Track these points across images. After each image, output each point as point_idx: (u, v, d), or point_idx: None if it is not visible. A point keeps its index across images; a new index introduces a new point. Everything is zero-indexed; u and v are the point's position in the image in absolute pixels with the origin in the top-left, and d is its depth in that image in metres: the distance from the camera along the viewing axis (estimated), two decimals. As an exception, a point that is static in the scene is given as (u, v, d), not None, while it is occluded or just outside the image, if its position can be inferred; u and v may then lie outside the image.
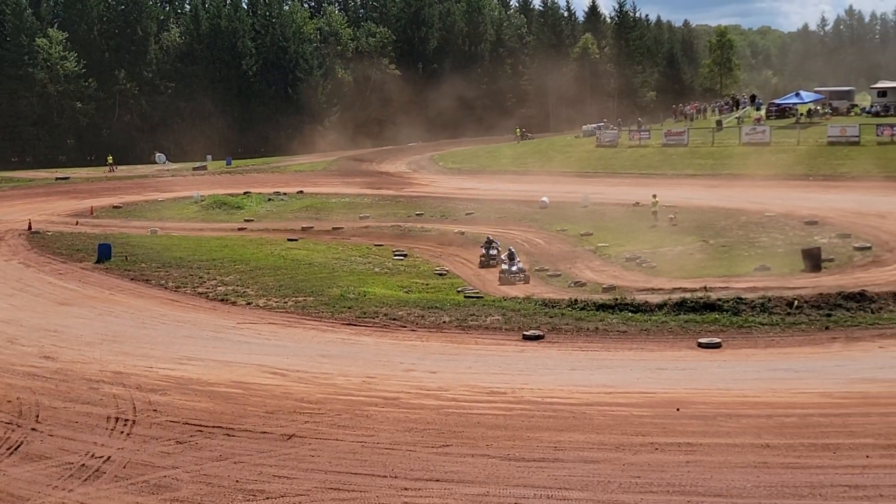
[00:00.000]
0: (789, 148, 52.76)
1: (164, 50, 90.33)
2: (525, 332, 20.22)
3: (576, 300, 22.58)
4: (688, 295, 21.75)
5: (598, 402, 14.98)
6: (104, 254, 31.43)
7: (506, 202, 45.04)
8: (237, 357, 18.90)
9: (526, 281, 27.52)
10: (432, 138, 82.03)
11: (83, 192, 54.88)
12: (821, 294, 21.55)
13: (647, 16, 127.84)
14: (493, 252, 30.56)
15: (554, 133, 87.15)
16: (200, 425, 14.34)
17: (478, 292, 25.40)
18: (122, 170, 68.53)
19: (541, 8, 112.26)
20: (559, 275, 27.98)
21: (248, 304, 24.70)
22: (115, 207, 48.38)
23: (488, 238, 31.74)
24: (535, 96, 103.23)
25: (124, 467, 12.68)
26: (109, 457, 13.07)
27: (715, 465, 11.82)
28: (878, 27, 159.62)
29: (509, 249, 29.68)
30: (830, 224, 33.58)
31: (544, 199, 43.56)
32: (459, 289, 26.04)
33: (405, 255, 32.13)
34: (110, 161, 70.36)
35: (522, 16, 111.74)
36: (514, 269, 28.06)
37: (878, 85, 69.15)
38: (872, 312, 20.25)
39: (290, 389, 16.35)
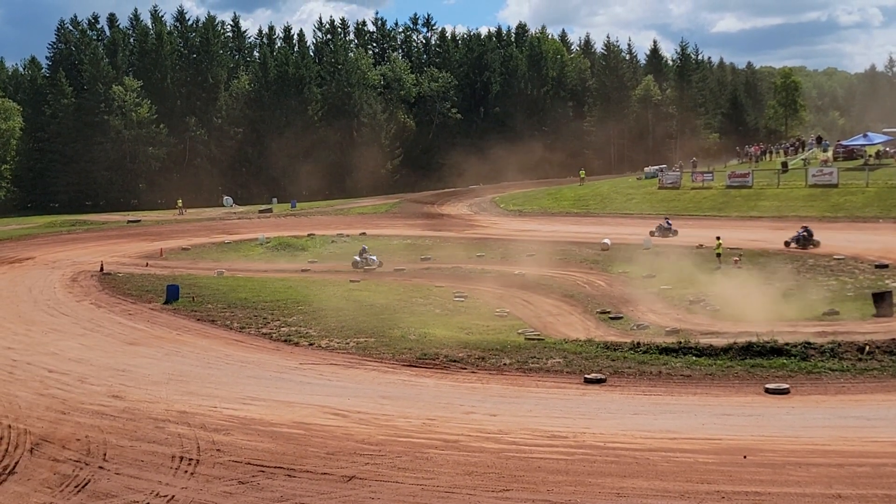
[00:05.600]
0: (858, 189, 51.62)
1: (233, 97, 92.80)
2: (587, 376, 20.02)
3: (638, 343, 22.29)
4: (754, 339, 21.29)
5: (661, 447, 14.71)
6: (172, 295, 32.08)
7: (567, 244, 44.86)
8: (299, 398, 19.05)
9: None
10: (494, 181, 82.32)
11: (153, 234, 56.32)
12: (894, 339, 20.95)
13: (709, 58, 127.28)
14: None
15: (616, 175, 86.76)
16: (262, 465, 14.46)
17: (539, 334, 25.24)
18: (191, 213, 70.24)
19: (602, 51, 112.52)
20: (621, 317, 27.69)
21: (311, 344, 24.93)
22: (183, 249, 49.42)
23: None
24: (598, 138, 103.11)
25: (188, 506, 12.83)
26: (174, 496, 13.26)
27: (783, 515, 11.49)
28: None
29: None
30: (903, 267, 32.66)
31: (606, 240, 43.30)
32: (520, 330, 25.92)
33: (466, 297, 32.14)
34: (179, 204, 72.23)
35: (585, 58, 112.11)
36: None
37: (951, 125, 67.53)
38: (948, 359, 19.58)
39: (351, 431, 16.40)
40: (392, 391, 19.81)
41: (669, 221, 46.86)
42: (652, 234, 45.64)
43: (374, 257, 41.09)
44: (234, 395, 19.40)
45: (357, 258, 40.90)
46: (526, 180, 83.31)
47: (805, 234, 39.49)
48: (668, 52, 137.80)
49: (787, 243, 39.43)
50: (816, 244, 38.64)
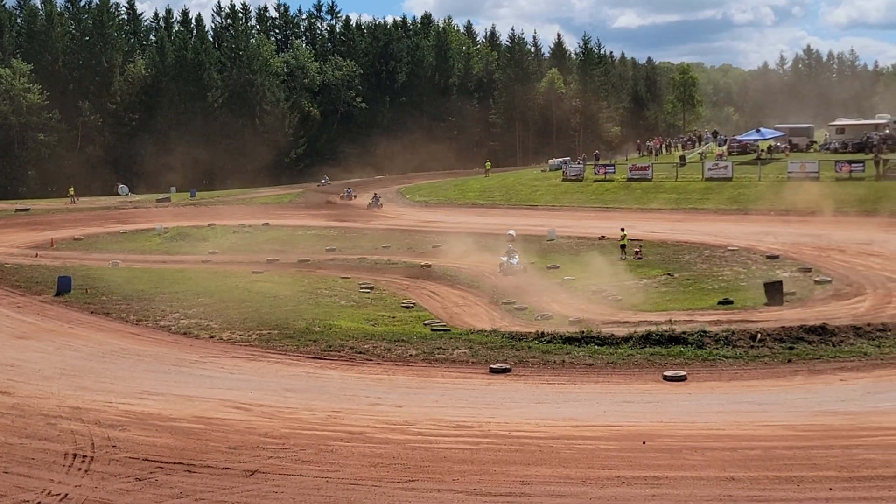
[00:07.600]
0: (751, 183, 53.57)
1: (129, 82, 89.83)
2: (492, 366, 20.18)
3: (542, 333, 22.58)
4: (653, 328, 21.86)
5: (564, 435, 14.94)
6: (64, 286, 30.93)
7: (473, 235, 45.06)
8: (199, 391, 18.62)
9: None
10: (400, 171, 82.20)
11: (43, 223, 54.09)
12: (783, 327, 21.83)
13: (611, 53, 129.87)
14: None
15: (521, 167, 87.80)
16: (161, 461, 14.07)
17: (445, 325, 25.31)
18: (84, 201, 67.72)
19: (508, 43, 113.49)
20: (526, 308, 27.99)
21: (212, 337, 24.39)
22: (75, 239, 47.75)
23: None
24: (503, 130, 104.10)
25: (81, 505, 12.37)
26: (66, 494, 12.77)
27: (681, 499, 11.81)
28: (836, 66, 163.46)
29: None
30: (792, 258, 34.04)
31: (511, 231, 43.64)
32: (426, 321, 25.93)
33: (371, 288, 31.97)
34: (72, 192, 69.45)
35: (491, 50, 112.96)
36: None
37: (837, 122, 70.55)
38: (833, 345, 20.52)
39: (254, 424, 16.13)
40: (296, 384, 19.56)
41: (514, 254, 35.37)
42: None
43: (516, 260, 34.36)
44: (131, 389, 18.82)
45: (503, 259, 34.56)
46: (432, 171, 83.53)
47: (375, 198, 60.10)
48: (572, 45, 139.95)
49: (369, 205, 59.08)
50: (381, 206, 58.67)
